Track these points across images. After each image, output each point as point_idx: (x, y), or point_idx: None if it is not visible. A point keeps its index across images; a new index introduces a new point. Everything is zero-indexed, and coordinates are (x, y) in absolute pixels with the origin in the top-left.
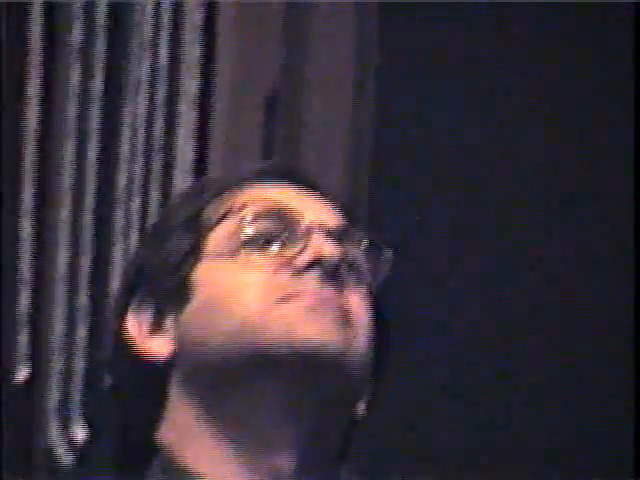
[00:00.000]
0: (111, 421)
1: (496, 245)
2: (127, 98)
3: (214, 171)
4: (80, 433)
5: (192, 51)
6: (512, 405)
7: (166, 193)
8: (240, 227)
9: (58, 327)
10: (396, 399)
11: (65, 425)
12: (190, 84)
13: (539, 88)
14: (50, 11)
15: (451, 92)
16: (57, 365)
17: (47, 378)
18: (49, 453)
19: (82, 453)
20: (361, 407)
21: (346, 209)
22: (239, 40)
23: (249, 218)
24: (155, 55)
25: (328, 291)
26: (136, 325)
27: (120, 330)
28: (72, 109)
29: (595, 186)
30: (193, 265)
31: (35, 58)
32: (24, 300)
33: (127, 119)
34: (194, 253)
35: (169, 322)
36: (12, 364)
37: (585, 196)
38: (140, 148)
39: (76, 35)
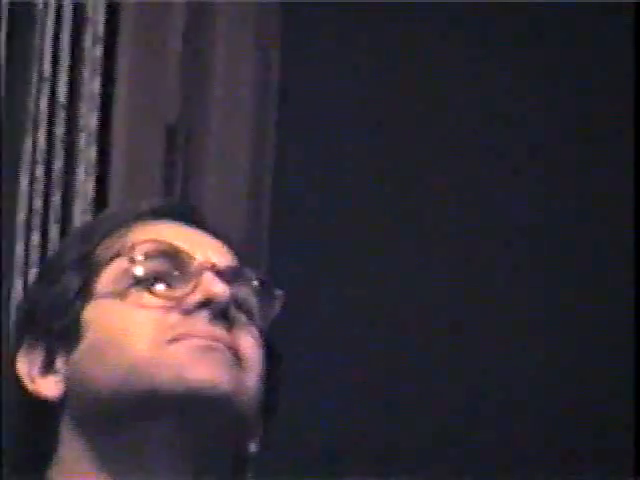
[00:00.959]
0: (3, 459)
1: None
2: (26, 133)
3: (114, 206)
4: None
5: (91, 85)
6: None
7: (65, 229)
8: (130, 267)
9: None
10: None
11: None
12: (90, 117)
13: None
14: None
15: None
16: None
17: None
18: None
19: None
20: (253, 444)
21: (240, 248)
22: (138, 73)
23: (139, 258)
24: (53, 90)
25: (218, 331)
26: (26, 365)
27: (12, 369)
28: None
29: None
30: (83, 305)
31: None
32: None
33: (26, 154)
34: (84, 293)
35: (60, 362)
36: None
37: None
38: (39, 183)
39: None
